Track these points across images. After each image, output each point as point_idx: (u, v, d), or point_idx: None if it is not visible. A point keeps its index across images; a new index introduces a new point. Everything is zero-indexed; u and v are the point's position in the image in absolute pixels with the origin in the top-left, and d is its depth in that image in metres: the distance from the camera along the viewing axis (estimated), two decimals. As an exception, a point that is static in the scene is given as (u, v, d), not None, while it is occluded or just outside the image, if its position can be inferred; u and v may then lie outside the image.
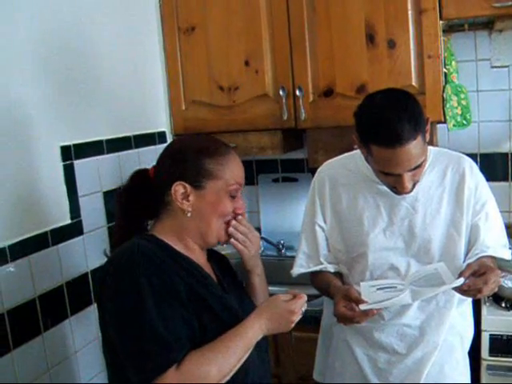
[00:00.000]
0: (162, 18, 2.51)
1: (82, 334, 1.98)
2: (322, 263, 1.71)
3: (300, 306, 1.32)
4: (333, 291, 1.59)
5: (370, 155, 1.50)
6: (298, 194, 2.67)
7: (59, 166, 1.93)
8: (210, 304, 1.29)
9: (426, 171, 1.59)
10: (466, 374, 1.72)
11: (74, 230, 1.97)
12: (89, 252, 2.02)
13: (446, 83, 2.18)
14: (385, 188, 1.60)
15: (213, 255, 1.48)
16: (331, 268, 1.71)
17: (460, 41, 2.38)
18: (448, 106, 2.17)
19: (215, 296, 1.32)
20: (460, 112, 2.23)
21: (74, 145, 1.99)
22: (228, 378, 1.24)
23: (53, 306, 1.87)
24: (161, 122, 2.54)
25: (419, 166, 1.48)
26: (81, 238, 2.00)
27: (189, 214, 1.33)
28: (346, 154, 1.76)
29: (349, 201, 1.67)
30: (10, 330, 1.69)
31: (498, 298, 2.02)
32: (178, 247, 1.34)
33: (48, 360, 1.84)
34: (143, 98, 2.42)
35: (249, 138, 2.44)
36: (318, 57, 2.28)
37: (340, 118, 2.22)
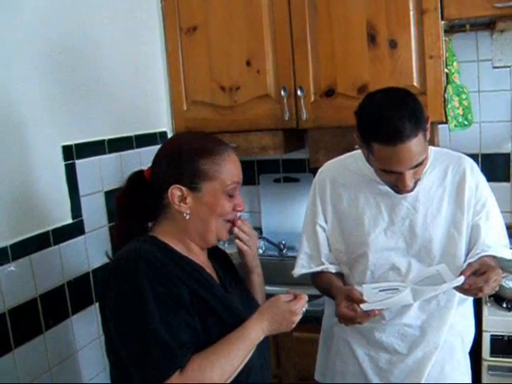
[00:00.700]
0: (163, 17, 2.51)
1: (84, 333, 1.99)
2: (323, 263, 1.71)
3: (301, 306, 1.33)
4: (334, 292, 1.59)
5: (371, 154, 1.50)
6: (300, 194, 2.67)
7: (61, 165, 1.93)
8: (213, 306, 1.29)
9: (426, 171, 1.59)
10: (466, 375, 1.72)
11: (75, 229, 1.98)
12: (90, 251, 2.03)
13: (447, 83, 2.19)
14: (386, 188, 1.60)
15: (213, 252, 1.48)
16: (332, 268, 1.71)
17: (461, 41, 2.38)
18: (449, 106, 2.17)
19: (218, 298, 1.32)
20: (461, 112, 2.23)
21: (76, 144, 1.99)
22: (231, 379, 1.25)
23: (54, 306, 1.87)
24: (162, 121, 2.54)
25: (420, 164, 1.48)
26: (82, 237, 2.01)
27: (187, 217, 1.32)
28: (346, 154, 1.77)
29: (349, 201, 1.68)
30: (11, 330, 1.69)
31: (498, 299, 2.03)
32: (179, 248, 1.34)
33: (49, 359, 1.84)
34: (145, 98, 2.42)
35: (250, 138, 2.45)
36: (320, 57, 2.28)
37: (341, 118, 2.22)
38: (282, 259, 2.71)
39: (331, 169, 1.75)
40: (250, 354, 1.29)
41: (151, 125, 2.45)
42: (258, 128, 2.42)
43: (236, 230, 1.40)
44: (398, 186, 1.51)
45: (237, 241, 1.43)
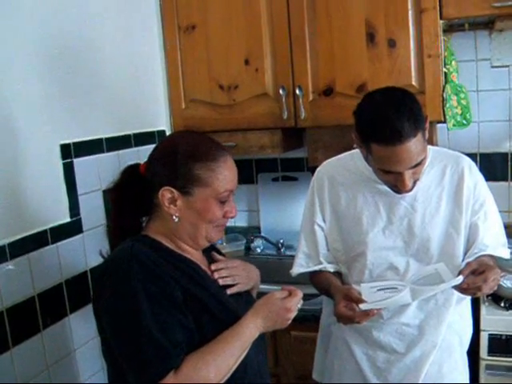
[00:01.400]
0: (162, 16, 2.51)
1: (81, 332, 1.98)
2: (321, 263, 1.71)
3: (296, 303, 1.32)
4: (333, 291, 1.59)
5: (369, 154, 1.50)
6: (298, 193, 2.67)
7: (59, 164, 1.93)
8: (207, 305, 1.29)
9: (425, 171, 1.59)
10: (464, 374, 1.72)
11: (73, 228, 1.97)
12: (88, 250, 2.02)
13: (445, 83, 2.18)
14: (384, 187, 1.60)
15: (208, 248, 1.45)
16: (331, 268, 1.71)
17: (460, 40, 2.38)
18: (448, 105, 2.17)
19: (212, 295, 1.31)
20: (460, 112, 2.23)
21: (74, 143, 1.99)
22: (226, 378, 1.25)
23: (52, 304, 1.87)
24: (161, 120, 2.54)
25: (419, 164, 1.48)
26: (80, 236, 2.00)
27: (176, 220, 1.31)
28: (345, 154, 1.76)
29: (348, 200, 1.67)
30: (9, 328, 1.69)
31: (497, 298, 2.03)
32: (172, 246, 1.34)
33: (47, 358, 1.83)
34: (143, 97, 2.42)
35: (248, 136, 2.44)
36: (318, 56, 2.28)
37: (340, 117, 2.22)
38: (280, 258, 2.71)
39: (329, 168, 1.75)
40: (246, 352, 1.29)
41: (150, 123, 2.45)
42: (257, 127, 2.42)
43: (217, 276, 1.40)
44: (397, 185, 1.51)
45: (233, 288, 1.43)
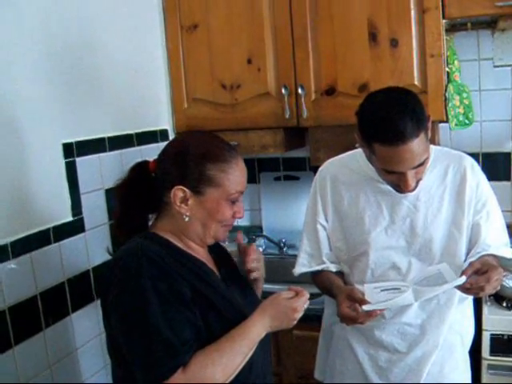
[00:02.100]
0: (164, 15, 2.51)
1: (84, 331, 1.98)
2: (324, 262, 1.71)
3: (302, 303, 1.33)
4: (336, 291, 1.59)
5: (372, 154, 1.49)
6: (300, 192, 2.67)
7: (61, 163, 1.93)
8: (214, 303, 1.29)
9: (427, 170, 1.59)
10: (466, 373, 1.72)
11: (75, 227, 1.98)
12: (90, 249, 2.03)
13: (448, 82, 2.18)
14: (386, 187, 1.60)
15: (213, 248, 1.47)
16: (333, 267, 1.71)
17: (463, 40, 2.38)
18: (450, 105, 2.17)
19: (218, 293, 1.32)
20: (462, 111, 2.23)
21: (76, 142, 1.99)
22: (233, 376, 1.25)
23: (54, 303, 1.87)
24: (163, 119, 2.54)
25: (422, 164, 1.48)
26: (82, 235, 2.01)
27: (186, 219, 1.32)
28: (347, 153, 1.76)
29: (350, 199, 1.67)
30: (11, 327, 1.69)
31: (498, 298, 2.03)
32: (180, 244, 1.35)
33: (49, 357, 1.84)
34: (145, 96, 2.42)
35: (251, 136, 2.45)
36: (321, 55, 2.28)
37: (342, 117, 2.22)
38: (282, 257, 2.71)
39: (332, 167, 1.75)
40: (252, 351, 1.29)
41: (152, 122, 2.45)
42: (259, 126, 2.42)
43: (249, 261, 1.46)
44: (400, 185, 1.51)
45: (254, 274, 1.48)
